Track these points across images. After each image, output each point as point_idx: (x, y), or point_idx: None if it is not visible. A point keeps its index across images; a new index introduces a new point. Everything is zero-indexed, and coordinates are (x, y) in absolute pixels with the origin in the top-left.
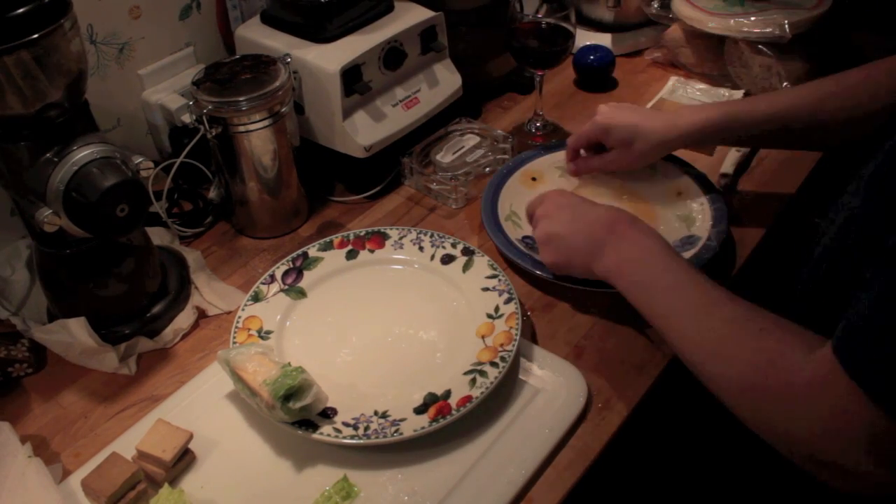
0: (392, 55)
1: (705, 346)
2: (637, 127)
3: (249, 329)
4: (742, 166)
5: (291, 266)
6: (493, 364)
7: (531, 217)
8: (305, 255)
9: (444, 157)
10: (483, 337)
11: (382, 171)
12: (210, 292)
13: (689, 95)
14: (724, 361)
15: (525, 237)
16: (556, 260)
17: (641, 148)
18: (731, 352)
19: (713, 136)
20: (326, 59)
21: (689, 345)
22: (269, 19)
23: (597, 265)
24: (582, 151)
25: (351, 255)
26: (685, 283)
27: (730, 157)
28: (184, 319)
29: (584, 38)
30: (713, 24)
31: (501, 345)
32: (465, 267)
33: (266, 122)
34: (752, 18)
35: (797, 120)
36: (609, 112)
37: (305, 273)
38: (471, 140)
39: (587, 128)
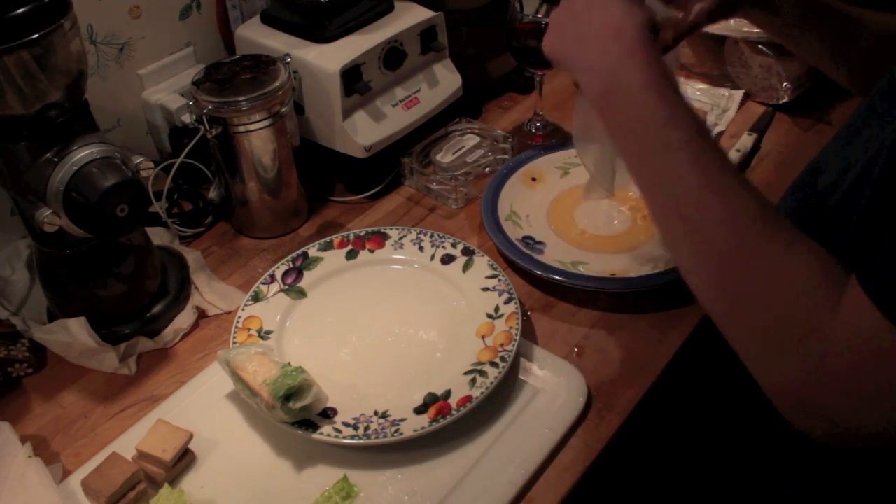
0: (392, 55)
1: (715, 245)
2: None
3: (249, 329)
4: (742, 166)
5: (291, 266)
6: (493, 364)
7: None
8: (305, 255)
9: (444, 157)
10: (483, 337)
11: (382, 171)
12: (210, 292)
13: (689, 95)
14: (740, 270)
15: (525, 237)
16: (550, 36)
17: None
18: (753, 261)
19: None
20: (326, 59)
21: (674, 217)
22: (269, 19)
23: (584, 80)
24: None
25: (351, 255)
26: (692, 148)
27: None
28: (184, 319)
29: None
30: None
31: (501, 345)
32: (465, 267)
33: (266, 122)
34: None
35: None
36: None
37: (305, 273)
38: (471, 140)
39: None
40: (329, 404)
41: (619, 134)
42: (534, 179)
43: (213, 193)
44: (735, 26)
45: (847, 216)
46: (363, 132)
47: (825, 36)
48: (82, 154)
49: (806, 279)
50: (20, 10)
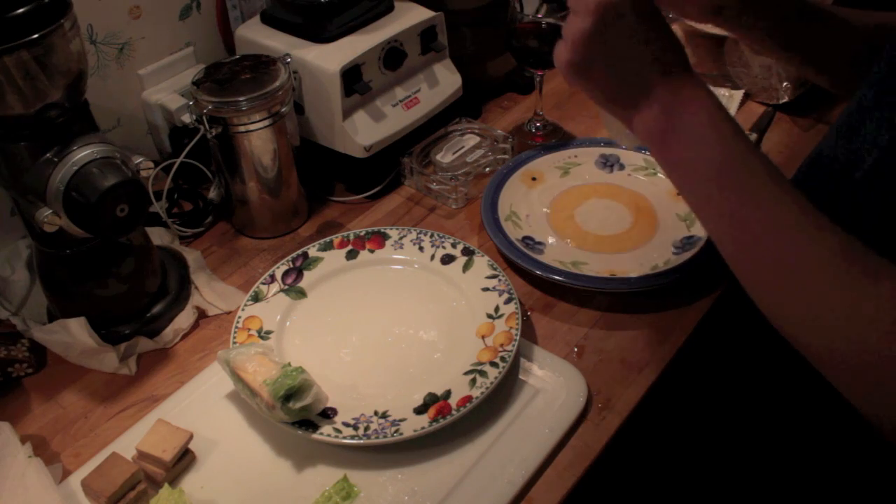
0: (392, 55)
1: (806, 290)
2: None
3: (249, 329)
4: None
5: (291, 266)
6: (493, 364)
7: None
8: (305, 255)
9: (444, 157)
10: (483, 337)
11: (382, 171)
12: (210, 292)
13: None
14: (836, 317)
15: (525, 237)
16: (572, 59)
17: None
18: (846, 300)
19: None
20: (326, 59)
21: (781, 278)
22: (269, 19)
23: (636, 116)
24: None
25: (351, 255)
26: (772, 189)
27: None
28: (184, 319)
29: None
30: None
31: (501, 345)
32: (465, 267)
33: (266, 122)
34: None
35: (855, 17)
36: None
37: (305, 273)
38: (471, 140)
39: None
40: (329, 404)
41: (678, 174)
42: (534, 179)
43: (213, 193)
44: None
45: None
46: (363, 132)
47: (809, 38)
48: (82, 154)
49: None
50: (20, 10)
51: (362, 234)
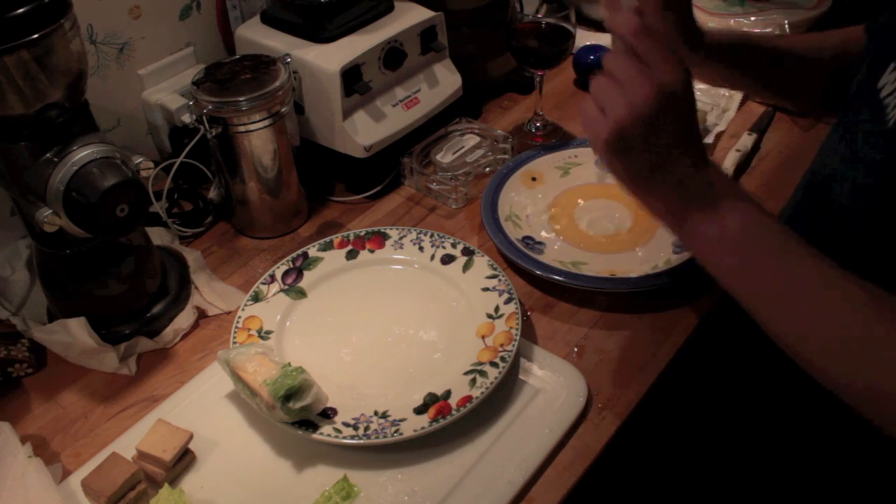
0: (392, 55)
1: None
2: None
3: (249, 329)
4: (742, 166)
5: (291, 266)
6: (493, 364)
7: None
8: (305, 255)
9: (444, 157)
10: (483, 337)
11: (382, 171)
12: (210, 292)
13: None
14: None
15: (525, 237)
16: (613, 140)
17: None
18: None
19: (731, 45)
20: (326, 59)
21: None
22: (269, 19)
23: (684, 230)
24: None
25: (351, 255)
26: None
27: (730, 158)
28: (184, 319)
29: (584, 38)
30: (713, 24)
31: (501, 345)
32: (465, 267)
33: (266, 122)
34: (752, 18)
35: (813, 49)
36: None
37: (305, 273)
38: (471, 140)
39: None
40: (329, 404)
41: (725, 278)
42: (534, 179)
43: (213, 193)
44: (735, 26)
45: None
46: (363, 132)
47: (777, 79)
48: (82, 154)
49: None
50: (20, 10)
51: (362, 234)
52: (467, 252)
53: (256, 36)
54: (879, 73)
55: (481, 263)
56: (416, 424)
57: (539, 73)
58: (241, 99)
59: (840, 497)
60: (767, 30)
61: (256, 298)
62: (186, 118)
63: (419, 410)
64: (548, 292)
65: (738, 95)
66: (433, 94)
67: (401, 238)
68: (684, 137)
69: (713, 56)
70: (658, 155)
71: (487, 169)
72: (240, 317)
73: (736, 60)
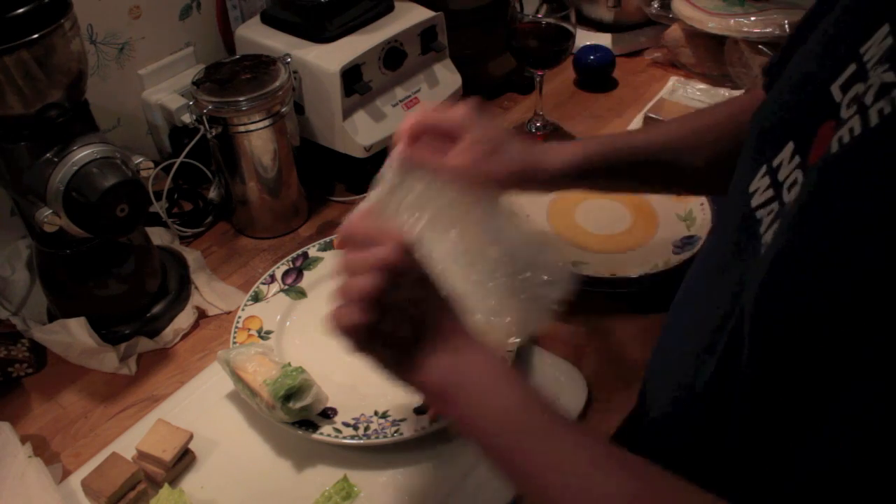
0: (392, 55)
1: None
2: (503, 136)
3: (249, 329)
4: None
5: (291, 266)
6: None
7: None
8: (305, 255)
9: None
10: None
11: None
12: (210, 292)
13: (689, 95)
14: None
15: None
16: (363, 320)
17: (508, 159)
18: None
19: (591, 165)
20: (326, 59)
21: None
22: (269, 19)
23: (416, 377)
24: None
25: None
26: (554, 430)
27: None
28: (184, 319)
29: (584, 38)
30: (713, 24)
31: None
32: None
33: (266, 122)
34: (752, 18)
35: (684, 151)
36: (477, 109)
37: (305, 273)
38: None
39: (436, 113)
40: (329, 404)
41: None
42: None
43: (213, 193)
44: (735, 26)
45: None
46: (363, 132)
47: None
48: (82, 154)
49: None
50: (20, 10)
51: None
52: None
53: (256, 36)
54: (751, 175)
55: None
56: (416, 424)
57: (539, 73)
58: (241, 99)
59: None
60: (767, 30)
61: (256, 298)
62: (186, 118)
63: (419, 410)
64: None
65: (738, 93)
66: (433, 94)
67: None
68: (424, 310)
69: (573, 184)
70: (402, 329)
71: None
72: (240, 317)
73: (600, 182)
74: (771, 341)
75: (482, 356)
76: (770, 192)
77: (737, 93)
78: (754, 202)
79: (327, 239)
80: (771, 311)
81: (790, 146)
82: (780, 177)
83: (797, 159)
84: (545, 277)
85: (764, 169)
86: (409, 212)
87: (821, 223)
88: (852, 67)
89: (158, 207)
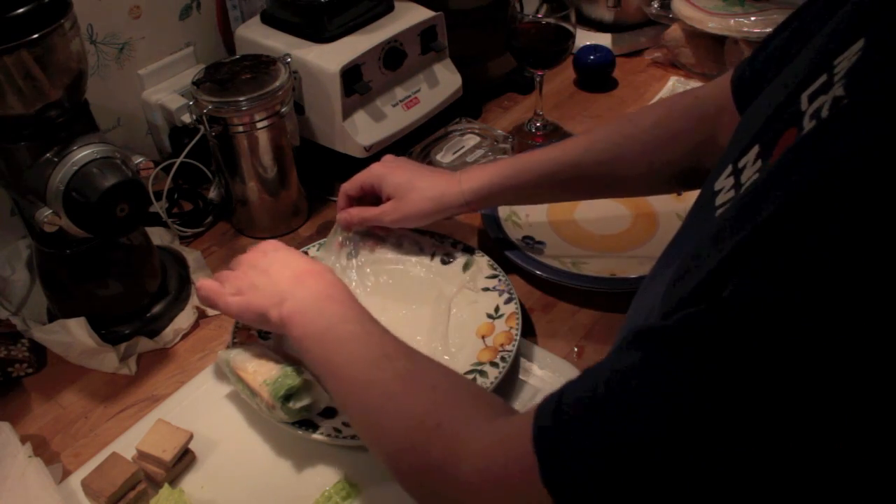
0: (392, 55)
1: (371, 402)
2: (413, 179)
3: (249, 329)
4: None
5: None
6: (493, 364)
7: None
8: (305, 255)
9: (444, 157)
10: (483, 337)
11: None
12: None
13: None
14: (387, 417)
15: (525, 237)
16: (238, 309)
17: (416, 199)
18: (395, 407)
19: (502, 191)
20: (326, 59)
21: (355, 401)
22: (269, 19)
23: (272, 311)
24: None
25: (351, 255)
26: (361, 334)
27: None
28: (184, 319)
29: (584, 38)
30: (713, 24)
31: (501, 345)
32: (465, 267)
33: (266, 122)
34: (752, 18)
35: (593, 165)
36: (390, 162)
37: None
38: (471, 140)
39: (361, 174)
40: (329, 404)
41: (308, 354)
42: None
43: (213, 193)
44: (735, 26)
45: None
46: (363, 132)
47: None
48: (82, 154)
49: (444, 408)
50: (20, 10)
51: (362, 233)
52: (467, 252)
53: (256, 36)
54: (717, 174)
55: (481, 263)
56: None
57: (539, 73)
58: (241, 99)
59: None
60: (767, 30)
61: None
62: (186, 118)
63: None
64: (548, 292)
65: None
66: (433, 94)
67: (400, 238)
68: (261, 296)
69: (487, 205)
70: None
71: None
72: None
73: (518, 199)
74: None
75: (331, 298)
76: (731, 193)
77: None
78: (718, 201)
79: (327, 239)
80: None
81: (756, 149)
82: (743, 178)
83: (759, 163)
84: None
85: (730, 168)
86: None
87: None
88: (823, 78)
89: (158, 207)
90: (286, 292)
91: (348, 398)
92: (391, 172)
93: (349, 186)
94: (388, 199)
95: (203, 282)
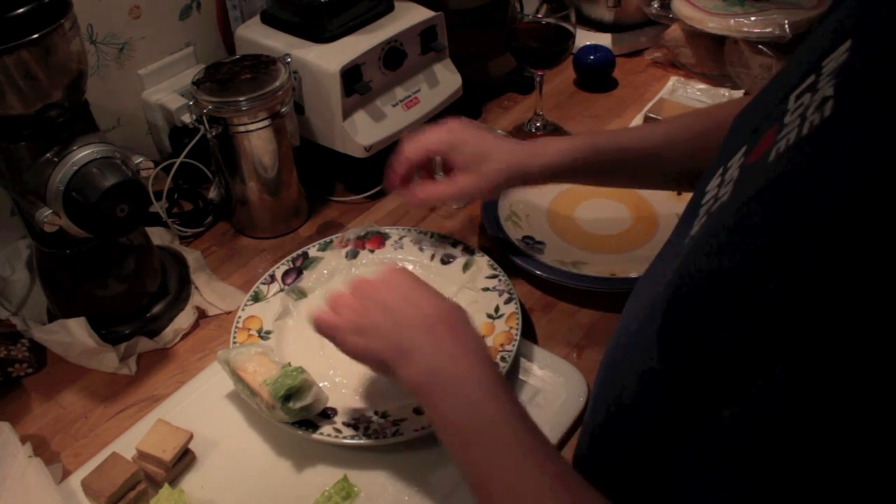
0: (392, 55)
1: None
2: (488, 150)
3: (249, 329)
4: None
5: (291, 266)
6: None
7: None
8: (305, 255)
9: None
10: (483, 337)
11: (382, 171)
12: (210, 292)
13: (689, 95)
14: None
15: (525, 237)
16: (358, 353)
17: (492, 173)
18: None
19: (576, 171)
20: (326, 59)
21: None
22: (269, 19)
23: (398, 367)
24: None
25: (351, 255)
26: (498, 420)
27: None
28: (184, 319)
29: (584, 38)
30: (713, 24)
31: (501, 345)
32: (465, 267)
33: (266, 122)
34: (752, 18)
35: (672, 158)
36: (458, 129)
37: (305, 273)
38: None
39: (428, 138)
40: (329, 404)
41: (442, 424)
42: None
43: (213, 193)
44: (735, 26)
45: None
46: (363, 132)
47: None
48: (82, 154)
49: None
50: (20, 10)
51: (362, 234)
52: (467, 252)
53: (256, 36)
54: (709, 178)
55: (481, 263)
56: (416, 424)
57: (539, 73)
58: (241, 99)
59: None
60: (767, 30)
61: (256, 298)
62: (186, 118)
63: (419, 410)
64: (548, 292)
65: (738, 95)
66: (433, 93)
67: (401, 238)
68: (385, 345)
69: (560, 180)
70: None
71: None
72: (240, 317)
73: (588, 179)
74: (672, 354)
75: (465, 357)
76: (714, 192)
77: (737, 93)
78: (703, 200)
79: (327, 239)
80: (674, 313)
81: (743, 149)
82: (727, 178)
83: (742, 160)
84: None
85: (720, 170)
86: None
87: (726, 221)
88: (811, 78)
89: (158, 207)
90: (412, 343)
91: (483, 487)
92: (463, 141)
93: (413, 152)
94: (456, 168)
95: (320, 315)
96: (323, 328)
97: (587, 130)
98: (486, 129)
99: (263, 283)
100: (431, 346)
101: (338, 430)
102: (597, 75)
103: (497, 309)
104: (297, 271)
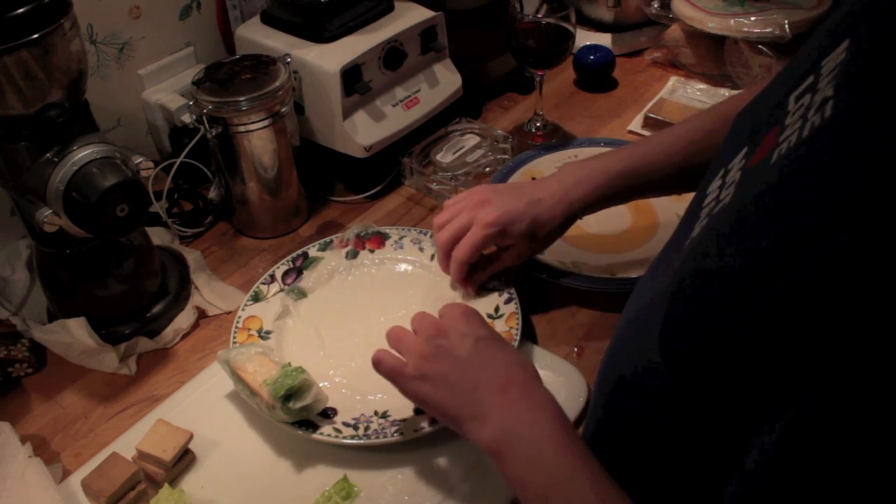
0: (392, 55)
1: None
2: (535, 217)
3: (249, 329)
4: None
5: (291, 266)
6: None
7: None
8: (305, 255)
9: (444, 157)
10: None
11: (382, 171)
12: (210, 292)
13: (689, 95)
14: None
15: None
16: (423, 401)
17: (547, 235)
18: None
19: (608, 199)
20: (326, 59)
21: None
22: (269, 19)
23: (470, 429)
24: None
25: (351, 255)
26: (588, 475)
27: None
28: (184, 319)
29: (584, 38)
30: (713, 24)
31: None
32: None
33: (266, 122)
34: (752, 18)
35: (697, 166)
36: (493, 210)
37: (305, 273)
38: (471, 140)
39: (476, 238)
40: (329, 404)
41: (518, 484)
42: (534, 179)
43: (213, 193)
44: (735, 26)
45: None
46: (363, 132)
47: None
48: (82, 154)
49: None
50: (20, 10)
51: (362, 233)
52: None
53: (256, 36)
54: (710, 179)
55: None
56: (416, 424)
57: (539, 73)
58: (241, 99)
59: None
60: (767, 30)
61: (256, 298)
62: (186, 118)
63: (419, 410)
64: (548, 292)
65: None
66: (433, 94)
67: (401, 238)
68: (456, 402)
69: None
70: (458, 384)
71: (487, 169)
72: (240, 317)
73: (617, 202)
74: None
75: (535, 414)
76: (717, 193)
77: (737, 93)
78: (704, 202)
79: (327, 239)
80: (676, 314)
81: (744, 151)
82: (728, 179)
83: (743, 162)
84: None
85: (721, 172)
86: None
87: (728, 223)
88: (810, 79)
89: (158, 207)
90: (485, 404)
91: None
92: (507, 224)
93: (469, 254)
94: (511, 246)
95: (382, 357)
96: (385, 370)
97: (587, 133)
98: (519, 192)
99: (263, 283)
100: (505, 411)
101: (338, 430)
102: (597, 75)
103: (497, 309)
104: (297, 271)
